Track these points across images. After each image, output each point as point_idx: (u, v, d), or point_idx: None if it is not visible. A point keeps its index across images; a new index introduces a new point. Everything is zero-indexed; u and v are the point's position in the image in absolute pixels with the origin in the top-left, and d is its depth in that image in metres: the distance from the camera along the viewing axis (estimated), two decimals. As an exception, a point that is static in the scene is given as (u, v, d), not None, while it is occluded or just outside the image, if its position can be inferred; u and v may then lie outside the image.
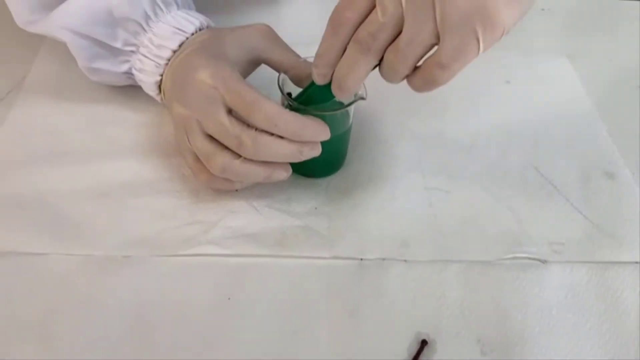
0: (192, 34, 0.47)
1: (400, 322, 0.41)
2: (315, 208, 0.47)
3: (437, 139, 0.54)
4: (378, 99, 0.55)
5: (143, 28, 0.47)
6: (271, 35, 0.48)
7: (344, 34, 0.37)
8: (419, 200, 0.49)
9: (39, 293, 0.40)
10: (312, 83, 0.42)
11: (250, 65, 0.48)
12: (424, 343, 0.39)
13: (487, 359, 0.39)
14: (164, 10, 0.47)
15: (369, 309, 0.41)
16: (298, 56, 0.47)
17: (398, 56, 0.36)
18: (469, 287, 0.43)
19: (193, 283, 0.42)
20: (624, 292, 0.44)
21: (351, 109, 0.47)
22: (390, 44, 0.36)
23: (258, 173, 0.43)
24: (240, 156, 0.42)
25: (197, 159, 0.44)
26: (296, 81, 0.47)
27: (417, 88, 0.38)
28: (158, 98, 0.49)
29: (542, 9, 0.72)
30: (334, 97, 0.41)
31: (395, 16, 0.34)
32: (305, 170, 0.48)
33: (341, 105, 0.47)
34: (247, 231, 0.44)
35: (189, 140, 0.43)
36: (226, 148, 0.42)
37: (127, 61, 0.48)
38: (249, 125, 0.41)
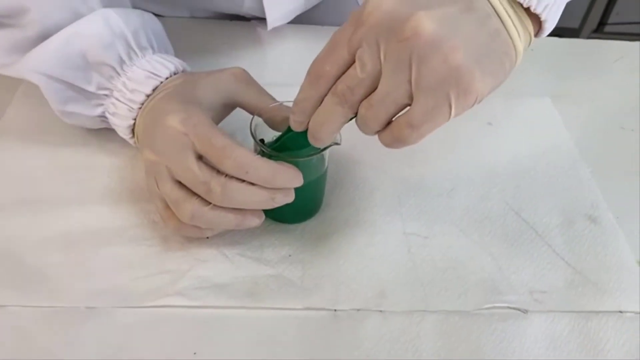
0: (167, 78, 0.47)
1: (374, 377, 0.39)
2: (290, 255, 0.46)
3: (416, 183, 0.53)
4: (357, 142, 0.54)
5: (117, 72, 0.46)
6: (246, 78, 0.47)
7: (322, 86, 0.37)
8: (397, 246, 0.47)
9: (-3, 348, 0.39)
10: (289, 129, 0.42)
11: (225, 109, 0.47)
12: (398, 401, 0.38)
13: (464, 418, 0.38)
14: (139, 54, 0.47)
15: (342, 364, 0.40)
16: (273, 99, 0.47)
17: (370, 111, 0.36)
18: (446, 339, 0.42)
19: (157, 336, 0.40)
20: (607, 343, 0.42)
21: (326, 154, 0.46)
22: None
23: (228, 220, 0.42)
24: (210, 203, 0.41)
25: (167, 205, 0.43)
26: (271, 124, 0.46)
27: (387, 144, 0.38)
28: (132, 142, 0.48)
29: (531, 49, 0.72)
30: (309, 144, 0.41)
31: (373, 73, 0.35)
32: (280, 216, 0.47)
33: (315, 151, 0.46)
34: (217, 281, 0.43)
35: (158, 186, 0.42)
36: (195, 195, 0.41)
37: (101, 105, 0.48)
38: (219, 171, 0.40)
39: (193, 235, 0.44)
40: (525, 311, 0.44)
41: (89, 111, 0.48)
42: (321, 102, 0.38)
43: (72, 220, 0.46)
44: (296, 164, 0.42)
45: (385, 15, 0.34)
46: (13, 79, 0.50)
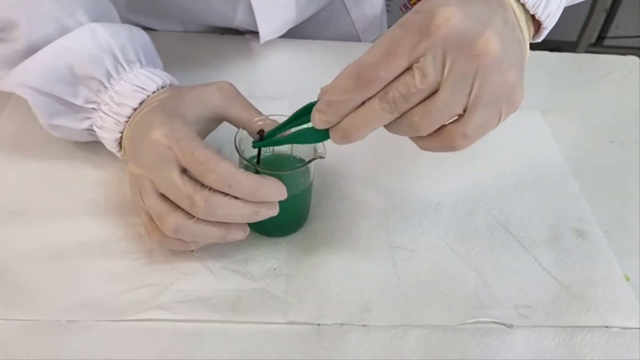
0: (154, 92, 0.47)
1: (355, 393, 0.39)
2: (274, 269, 0.46)
3: (403, 196, 0.53)
4: (343, 156, 0.55)
5: (105, 86, 0.47)
6: (232, 92, 0.47)
7: (371, 91, 0.36)
8: (382, 260, 0.47)
9: (-23, 361, 0.38)
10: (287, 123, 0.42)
11: (211, 122, 0.48)
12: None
13: None
14: (127, 68, 0.47)
15: (324, 379, 0.39)
16: (260, 113, 0.47)
17: (425, 120, 0.36)
18: (430, 353, 0.41)
19: (139, 350, 0.40)
20: (592, 358, 0.42)
21: (310, 167, 0.46)
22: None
23: (212, 233, 0.42)
24: (193, 216, 0.41)
25: (151, 218, 0.43)
26: (256, 138, 0.46)
27: (430, 149, 0.39)
28: (119, 155, 0.49)
29: (516, 63, 0.72)
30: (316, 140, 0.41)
31: (433, 84, 0.35)
32: (265, 229, 0.47)
33: (300, 163, 0.46)
34: (200, 295, 0.43)
35: (142, 199, 0.42)
36: (179, 208, 0.41)
37: (89, 118, 0.48)
38: (203, 185, 0.40)
39: (177, 249, 0.44)
40: (510, 326, 0.43)
41: (76, 124, 0.48)
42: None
43: (56, 233, 0.46)
44: (280, 178, 0.42)
45: (455, 29, 0.34)
46: (2, 92, 0.50)
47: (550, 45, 0.74)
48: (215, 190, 0.40)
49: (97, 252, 0.45)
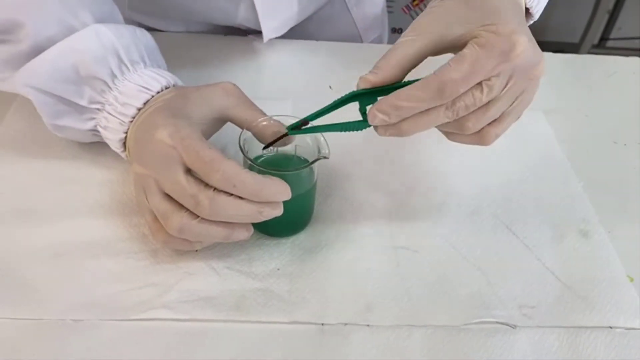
0: (158, 92, 0.47)
1: (359, 392, 0.39)
2: (278, 269, 0.46)
3: (407, 197, 0.53)
4: (347, 157, 0.55)
5: (109, 86, 0.47)
6: (236, 93, 0.48)
7: (444, 102, 0.39)
8: (386, 260, 0.47)
9: (-18, 360, 0.39)
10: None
11: (216, 123, 0.48)
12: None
13: None
14: (131, 68, 0.48)
15: (328, 378, 0.39)
16: (263, 114, 0.47)
17: (475, 124, 0.41)
18: (434, 354, 0.41)
19: (143, 349, 0.40)
20: (596, 358, 0.42)
21: (314, 167, 0.46)
22: None
23: (217, 233, 0.42)
24: (198, 216, 0.41)
25: (156, 218, 0.43)
26: (261, 138, 0.46)
27: (461, 142, 0.45)
28: (124, 155, 0.49)
29: (519, 64, 0.72)
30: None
31: (495, 98, 0.40)
32: (269, 229, 0.47)
33: (304, 164, 0.47)
34: (204, 294, 0.43)
35: (147, 199, 0.42)
36: (184, 208, 0.41)
37: (93, 118, 0.48)
38: (207, 185, 0.40)
39: (182, 248, 0.44)
40: (513, 326, 0.43)
41: (80, 125, 0.48)
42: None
43: (61, 233, 0.46)
44: (285, 178, 0.42)
45: (527, 58, 0.39)
46: (7, 93, 0.50)
47: (553, 46, 0.74)
48: (220, 190, 0.40)
49: (101, 252, 0.45)
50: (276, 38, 0.70)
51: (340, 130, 0.42)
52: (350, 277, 0.46)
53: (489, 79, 0.39)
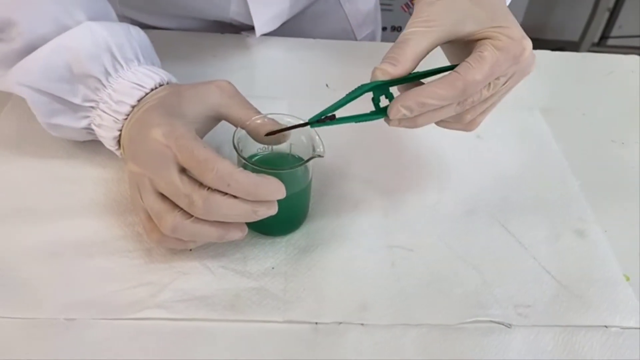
0: (152, 90, 0.47)
1: (353, 392, 0.39)
2: (273, 268, 0.46)
3: (402, 195, 0.53)
4: (343, 155, 0.55)
5: (103, 84, 0.47)
6: (231, 91, 0.47)
7: (465, 99, 0.41)
8: (381, 259, 0.47)
9: (-25, 360, 0.39)
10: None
11: (210, 121, 0.47)
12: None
13: None
14: (124, 66, 0.47)
15: (322, 378, 0.39)
16: (258, 112, 0.47)
17: (472, 115, 0.44)
18: (428, 353, 0.41)
19: (137, 348, 0.40)
20: (592, 358, 0.42)
21: (309, 165, 0.46)
22: None
23: (211, 233, 0.42)
24: (192, 216, 0.41)
25: (150, 217, 0.43)
26: (255, 137, 0.46)
27: (449, 128, 0.46)
28: (118, 153, 0.49)
29: (517, 62, 0.72)
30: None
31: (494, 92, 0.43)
32: (264, 228, 0.47)
33: (298, 162, 0.46)
34: (199, 294, 0.43)
35: (141, 198, 0.42)
36: (178, 207, 0.41)
37: (87, 117, 0.48)
38: (202, 184, 0.40)
39: (175, 248, 0.44)
40: (509, 325, 0.43)
41: (74, 123, 0.48)
42: None
43: (55, 232, 0.46)
44: (279, 176, 0.42)
45: (529, 59, 0.43)
46: (1, 93, 0.50)
47: (553, 45, 0.74)
48: (214, 190, 0.40)
49: (96, 251, 0.45)
50: (270, 35, 0.70)
51: (355, 122, 0.42)
52: (346, 276, 0.46)
53: (497, 78, 0.42)
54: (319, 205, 0.51)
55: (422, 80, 0.43)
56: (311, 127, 0.42)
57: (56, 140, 0.53)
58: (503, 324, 0.43)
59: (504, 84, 0.43)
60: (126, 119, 0.46)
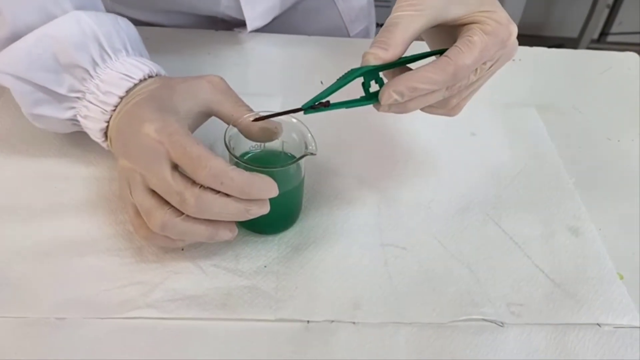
0: (141, 81, 0.47)
1: (344, 391, 0.39)
2: (265, 266, 0.45)
3: (396, 194, 0.52)
4: (335, 153, 0.55)
5: (90, 74, 0.46)
6: (223, 87, 0.47)
7: (455, 83, 0.42)
8: (374, 258, 0.47)
9: (-35, 359, 0.38)
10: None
11: (201, 117, 0.47)
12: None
13: None
14: (112, 56, 0.47)
15: (313, 377, 0.39)
16: (250, 109, 0.46)
17: (458, 100, 0.44)
18: (420, 351, 0.41)
19: (128, 348, 0.40)
20: (584, 356, 0.42)
21: (301, 163, 0.46)
22: None
23: (200, 232, 0.41)
24: (182, 213, 0.40)
25: (138, 213, 0.42)
26: (247, 135, 0.46)
27: (433, 114, 0.46)
28: (104, 145, 0.48)
29: (512, 60, 0.71)
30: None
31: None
32: (256, 227, 0.47)
33: (290, 160, 0.46)
34: (190, 293, 0.43)
35: (131, 194, 0.42)
36: (168, 204, 0.41)
37: (72, 108, 0.47)
38: (194, 182, 0.40)
39: (163, 245, 0.44)
40: (501, 324, 0.43)
41: (59, 114, 0.47)
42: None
43: (46, 230, 0.46)
44: (272, 174, 0.42)
45: (515, 43, 0.43)
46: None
47: (552, 42, 0.74)
48: (206, 188, 0.40)
49: (86, 250, 0.45)
50: (263, 32, 0.70)
51: (346, 107, 0.42)
52: (338, 274, 0.45)
53: (484, 63, 0.42)
54: (312, 204, 0.51)
55: (409, 66, 0.43)
56: (305, 113, 0.41)
57: (47, 138, 0.53)
58: (496, 323, 0.43)
59: (488, 69, 0.43)
60: (114, 110, 0.46)
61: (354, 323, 0.42)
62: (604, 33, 2.26)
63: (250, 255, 0.46)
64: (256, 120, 0.44)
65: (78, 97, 0.47)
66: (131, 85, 0.46)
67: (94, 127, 0.46)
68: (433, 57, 0.42)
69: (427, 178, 0.54)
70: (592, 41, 2.17)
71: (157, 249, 0.45)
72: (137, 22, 0.52)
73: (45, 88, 0.46)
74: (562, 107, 0.65)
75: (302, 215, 0.49)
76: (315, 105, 0.41)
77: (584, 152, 0.59)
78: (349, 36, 0.79)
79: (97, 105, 0.46)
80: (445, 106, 0.45)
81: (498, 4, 0.43)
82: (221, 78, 0.47)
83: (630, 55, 0.75)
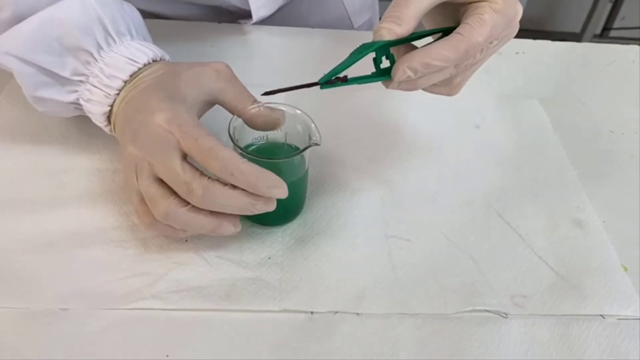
0: (145, 65, 0.46)
1: (348, 381, 0.39)
2: (269, 258, 0.45)
3: (400, 185, 0.52)
4: (340, 145, 0.55)
5: (94, 57, 0.46)
6: (228, 75, 0.47)
7: (467, 61, 0.42)
8: (378, 249, 0.47)
9: (-31, 349, 0.39)
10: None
11: (205, 105, 0.47)
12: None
13: (438, 423, 0.37)
14: (117, 40, 0.47)
15: (317, 367, 0.39)
16: (254, 98, 0.46)
17: (461, 78, 0.44)
18: (424, 342, 0.41)
19: (132, 338, 0.40)
20: (588, 348, 0.42)
21: (305, 154, 0.45)
22: None
23: (203, 224, 0.41)
24: (187, 204, 0.40)
25: (143, 200, 0.42)
26: (251, 124, 0.46)
27: (434, 92, 0.46)
28: (107, 130, 0.48)
29: (517, 53, 0.71)
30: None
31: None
32: (261, 219, 0.47)
33: (295, 150, 0.46)
34: (194, 284, 0.43)
35: (137, 181, 0.42)
36: (174, 194, 0.41)
37: (75, 91, 0.47)
38: (202, 173, 0.40)
39: (166, 234, 0.44)
40: (505, 315, 0.43)
41: (62, 97, 0.47)
42: None
43: (49, 222, 0.46)
44: (276, 165, 0.42)
45: (518, 23, 0.43)
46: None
47: (554, 37, 0.73)
48: (214, 180, 0.40)
49: (90, 241, 0.45)
50: (268, 24, 0.69)
51: (359, 84, 0.42)
52: (342, 265, 0.45)
53: (491, 42, 0.42)
54: (316, 195, 0.51)
55: (413, 44, 0.43)
56: (321, 87, 0.41)
57: (49, 130, 0.53)
58: (499, 314, 0.43)
59: (493, 47, 0.43)
60: (117, 94, 0.46)
61: (357, 314, 0.42)
62: (606, 28, 2.25)
63: (255, 247, 0.46)
64: (268, 94, 0.43)
65: (81, 81, 0.46)
66: (135, 69, 0.46)
67: (96, 111, 0.46)
68: (429, 38, 0.42)
69: (432, 170, 0.54)
70: (595, 36, 2.17)
71: (161, 241, 0.45)
72: (141, 12, 0.51)
73: (49, 71, 0.46)
74: (566, 99, 0.65)
75: (306, 207, 0.49)
76: (332, 80, 0.41)
77: (587, 145, 0.59)
78: (352, 28, 0.79)
79: (100, 89, 0.46)
80: (448, 84, 0.44)
81: None
82: (227, 65, 0.47)
83: (634, 48, 0.75)
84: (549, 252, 0.48)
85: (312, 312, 0.42)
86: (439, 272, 0.46)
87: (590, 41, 2.09)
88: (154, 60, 0.47)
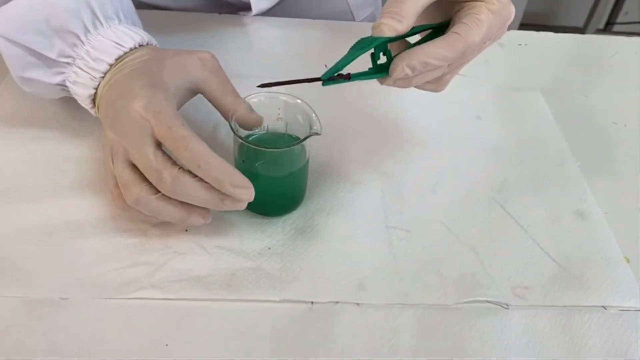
0: (131, 50, 0.46)
1: (348, 371, 0.38)
2: (269, 248, 0.45)
3: (401, 176, 0.52)
4: (341, 135, 0.55)
5: (81, 40, 0.46)
6: (213, 65, 0.47)
7: (463, 60, 0.42)
8: (379, 240, 0.47)
9: (-31, 338, 0.38)
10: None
11: (188, 93, 0.47)
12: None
13: (438, 413, 0.37)
14: (104, 24, 0.46)
15: (318, 357, 0.39)
16: (235, 92, 0.46)
17: (450, 77, 0.45)
18: (424, 334, 0.41)
19: (131, 328, 0.40)
20: (589, 339, 0.42)
21: (306, 145, 0.45)
22: None
23: (172, 214, 0.41)
24: (158, 192, 0.40)
25: (118, 184, 0.42)
26: (241, 124, 0.45)
27: (423, 89, 0.45)
28: (93, 112, 0.48)
29: (519, 44, 0.71)
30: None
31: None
32: (261, 208, 0.47)
33: (295, 141, 0.46)
34: (194, 274, 0.43)
35: (112, 163, 0.42)
36: (146, 181, 0.41)
37: (62, 73, 0.47)
38: (174, 163, 0.40)
39: (137, 220, 0.44)
40: (506, 306, 0.43)
41: (48, 78, 0.47)
42: None
43: (49, 212, 0.46)
44: (277, 155, 0.41)
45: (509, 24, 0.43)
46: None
47: (558, 31, 0.73)
48: (185, 171, 0.40)
49: (89, 230, 0.45)
50: (268, 16, 0.69)
51: (358, 80, 0.41)
52: (342, 256, 0.45)
53: (484, 42, 0.42)
54: (316, 186, 0.50)
55: (407, 40, 0.43)
56: (323, 84, 0.41)
57: (48, 120, 0.52)
58: (500, 305, 0.43)
59: (484, 47, 0.43)
60: (103, 77, 0.46)
61: (358, 304, 0.42)
62: (609, 23, 2.24)
63: (255, 237, 0.46)
64: (264, 86, 0.43)
65: (68, 63, 0.46)
66: (121, 53, 0.46)
67: (82, 94, 0.46)
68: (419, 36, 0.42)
69: (432, 161, 0.54)
70: (598, 31, 2.16)
71: (161, 230, 0.45)
72: (143, 4, 0.51)
73: (36, 52, 0.46)
74: (568, 91, 0.65)
75: (307, 198, 0.49)
76: (335, 77, 0.40)
77: (590, 136, 0.59)
78: (354, 22, 0.79)
79: (86, 72, 0.46)
80: (437, 81, 0.44)
81: None
82: (212, 55, 0.47)
83: (637, 40, 0.74)
84: (551, 244, 0.47)
85: (312, 302, 0.42)
86: (439, 263, 0.45)
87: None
88: (140, 45, 0.47)
